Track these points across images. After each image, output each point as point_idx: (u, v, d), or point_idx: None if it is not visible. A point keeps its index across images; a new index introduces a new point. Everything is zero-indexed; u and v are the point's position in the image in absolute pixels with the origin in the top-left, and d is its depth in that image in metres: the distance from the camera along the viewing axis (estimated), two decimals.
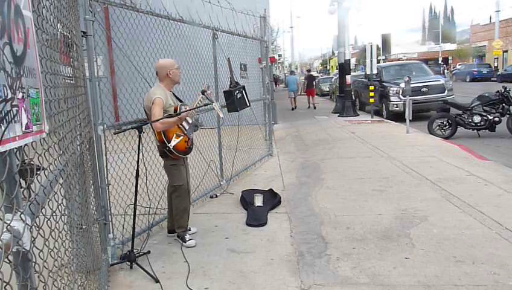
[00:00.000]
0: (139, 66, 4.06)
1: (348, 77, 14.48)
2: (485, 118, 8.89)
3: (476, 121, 8.97)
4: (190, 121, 3.79)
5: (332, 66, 41.18)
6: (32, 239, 1.39)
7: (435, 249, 3.40)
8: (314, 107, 18.47)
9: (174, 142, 3.62)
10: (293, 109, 18.41)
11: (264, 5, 11.37)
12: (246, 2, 6.98)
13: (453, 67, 40.78)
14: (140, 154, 3.43)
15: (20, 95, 1.32)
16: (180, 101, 3.89)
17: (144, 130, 3.45)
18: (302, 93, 22.27)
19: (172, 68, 3.72)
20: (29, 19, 1.47)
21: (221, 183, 5.63)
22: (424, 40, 79.09)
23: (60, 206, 1.89)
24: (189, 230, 3.96)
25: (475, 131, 9.10)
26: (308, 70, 26.83)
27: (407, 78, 9.77)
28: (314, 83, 20.87)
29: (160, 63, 3.77)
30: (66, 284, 1.96)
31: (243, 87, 4.63)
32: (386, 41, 15.46)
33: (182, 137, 3.66)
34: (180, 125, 3.69)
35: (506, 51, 38.23)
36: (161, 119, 3.46)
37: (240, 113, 5.34)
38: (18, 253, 1.29)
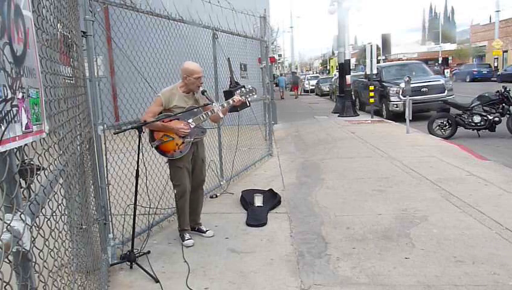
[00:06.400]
0: (139, 66, 4.06)
1: (348, 77, 14.47)
2: (485, 118, 8.88)
3: (476, 121, 8.96)
4: (192, 126, 3.71)
5: (332, 66, 41.43)
6: (32, 239, 1.39)
7: (435, 249, 3.40)
8: (297, 97, 28.45)
9: (158, 142, 3.61)
10: (282, 98, 26.57)
11: (264, 5, 11.37)
12: (246, 2, 6.97)
13: (454, 68, 40.75)
14: (140, 154, 3.43)
15: (20, 95, 1.32)
16: (212, 102, 3.75)
17: (143, 130, 3.45)
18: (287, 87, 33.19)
19: (191, 76, 3.67)
20: (29, 19, 1.47)
21: (221, 183, 5.63)
22: (424, 40, 79.13)
23: (60, 206, 1.89)
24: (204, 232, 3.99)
25: (475, 131, 9.10)
26: (294, 73, 36.83)
27: (407, 78, 9.76)
28: (298, 81, 31.62)
29: (184, 65, 3.74)
30: (66, 284, 1.96)
31: (243, 87, 4.63)
32: (386, 42, 15.42)
33: (171, 139, 3.63)
34: (176, 124, 3.66)
35: (506, 51, 38.22)
36: (151, 122, 3.51)
37: (240, 113, 5.34)
38: (18, 253, 1.29)
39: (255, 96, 4.07)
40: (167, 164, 3.84)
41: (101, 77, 3.43)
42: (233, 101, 3.83)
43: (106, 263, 3.30)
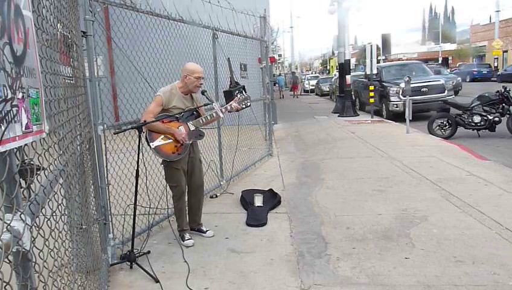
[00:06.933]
0: (139, 66, 4.06)
1: (348, 77, 14.48)
2: (485, 118, 8.88)
3: (476, 121, 8.96)
4: (192, 128, 3.71)
5: (332, 66, 41.52)
6: (32, 239, 1.39)
7: (435, 249, 3.40)
8: (297, 97, 29.23)
9: (157, 143, 3.60)
10: (281, 97, 27.54)
11: (264, 5, 11.38)
12: (246, 2, 6.97)
13: (454, 68, 40.73)
14: (140, 154, 3.43)
15: (20, 95, 1.32)
16: (212, 101, 3.79)
17: (144, 130, 3.45)
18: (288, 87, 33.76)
19: (191, 75, 3.67)
20: (29, 19, 1.47)
21: (221, 183, 5.63)
22: (424, 40, 79.20)
23: (60, 206, 1.89)
24: (205, 232, 3.99)
25: (475, 131, 9.10)
26: (293, 73, 36.02)
27: (407, 78, 9.77)
28: (297, 81, 31.43)
29: (186, 64, 3.76)
30: (66, 284, 1.96)
31: (243, 87, 4.64)
32: (386, 42, 15.41)
33: (171, 141, 3.63)
34: (178, 129, 3.67)
35: (506, 51, 38.21)
36: (151, 122, 3.49)
37: (240, 113, 5.33)
38: (18, 253, 1.29)
39: (249, 104, 4.08)
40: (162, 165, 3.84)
41: (101, 77, 3.43)
42: (231, 107, 3.85)
43: (106, 263, 3.30)
